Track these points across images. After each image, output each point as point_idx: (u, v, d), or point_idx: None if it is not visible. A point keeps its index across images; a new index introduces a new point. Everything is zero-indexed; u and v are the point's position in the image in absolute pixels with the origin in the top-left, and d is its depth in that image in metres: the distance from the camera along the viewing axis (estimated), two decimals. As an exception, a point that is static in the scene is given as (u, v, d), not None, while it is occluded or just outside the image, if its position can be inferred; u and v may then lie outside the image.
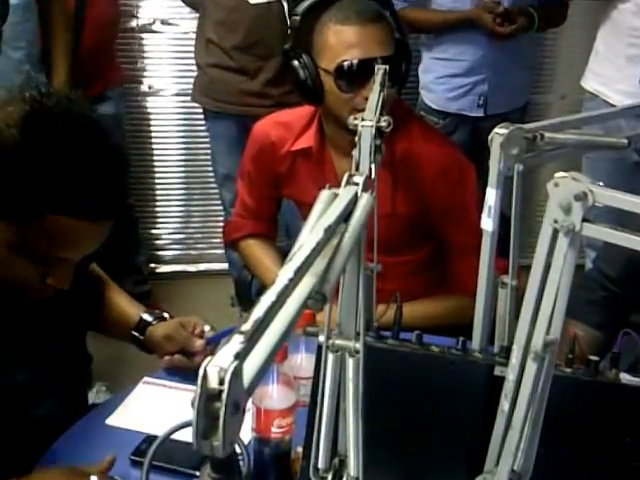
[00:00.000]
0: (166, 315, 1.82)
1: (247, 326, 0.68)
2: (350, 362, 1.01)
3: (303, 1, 1.88)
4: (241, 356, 0.65)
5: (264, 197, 2.23)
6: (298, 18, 1.86)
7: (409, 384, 1.27)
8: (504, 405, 1.10)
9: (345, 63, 1.81)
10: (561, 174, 0.95)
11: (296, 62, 1.88)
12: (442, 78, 3.07)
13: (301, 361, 1.63)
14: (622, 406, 1.22)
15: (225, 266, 3.67)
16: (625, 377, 1.22)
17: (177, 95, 3.83)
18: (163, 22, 3.72)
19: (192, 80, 3.31)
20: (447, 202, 1.95)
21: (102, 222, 1.35)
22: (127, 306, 1.85)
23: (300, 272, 0.77)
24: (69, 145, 1.29)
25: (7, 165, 1.26)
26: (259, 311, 0.70)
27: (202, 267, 4.16)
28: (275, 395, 1.41)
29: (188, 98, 3.41)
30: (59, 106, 1.31)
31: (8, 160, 1.27)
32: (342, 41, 1.83)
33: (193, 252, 4.18)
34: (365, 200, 0.92)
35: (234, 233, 2.29)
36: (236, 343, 0.66)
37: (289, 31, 1.88)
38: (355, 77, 1.81)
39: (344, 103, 1.83)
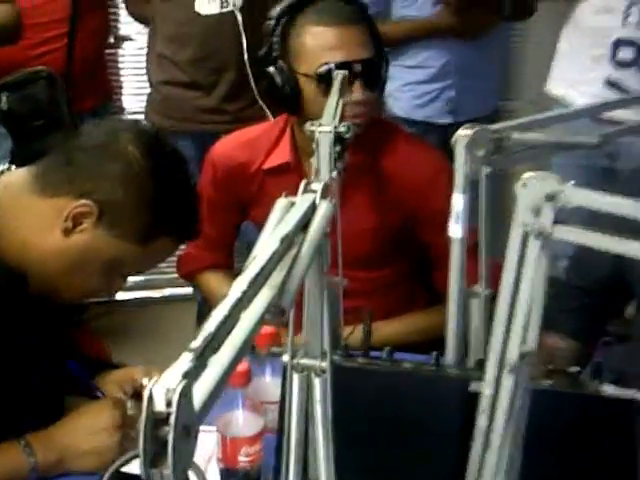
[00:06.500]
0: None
1: (197, 343, 0.63)
2: (317, 382, 0.98)
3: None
4: (190, 375, 0.61)
5: (227, 224, 2.16)
6: (272, 22, 1.81)
7: (381, 404, 1.23)
8: (481, 422, 1.05)
9: (327, 66, 1.74)
10: (529, 174, 0.91)
11: (272, 68, 1.82)
12: (408, 85, 3.04)
13: (267, 384, 1.57)
14: (605, 418, 1.18)
15: (190, 290, 3.61)
16: (607, 388, 1.17)
17: (136, 113, 3.73)
18: (120, 38, 3.66)
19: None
20: (439, 206, 1.89)
21: None
22: None
23: (255, 284, 0.73)
24: (178, 170, 1.43)
25: (136, 186, 1.36)
26: (210, 326, 0.65)
27: (167, 292, 4.11)
28: (241, 422, 1.36)
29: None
30: (156, 132, 1.46)
31: (138, 182, 1.36)
32: (322, 43, 1.78)
33: (156, 277, 4.11)
34: (324, 208, 0.88)
35: (191, 265, 2.20)
36: (185, 362, 0.62)
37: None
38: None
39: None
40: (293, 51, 1.81)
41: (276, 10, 1.81)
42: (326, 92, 1.69)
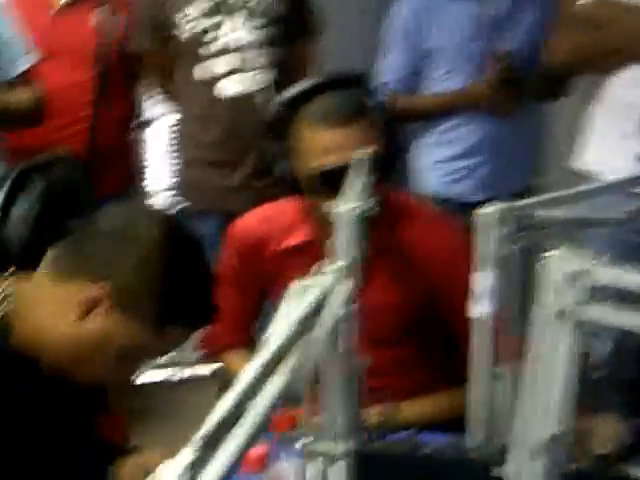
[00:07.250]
0: None
1: (203, 432, 0.60)
2: (336, 468, 0.94)
3: (285, 89, 1.83)
4: (195, 467, 0.58)
5: (248, 302, 2.14)
6: (277, 110, 1.83)
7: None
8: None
9: (321, 170, 1.74)
10: (552, 252, 0.87)
11: (275, 155, 1.84)
12: (439, 162, 2.98)
13: (286, 468, 1.53)
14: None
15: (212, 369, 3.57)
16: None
17: (159, 193, 3.76)
18: (143, 121, 3.69)
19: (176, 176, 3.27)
20: (462, 284, 1.86)
21: None
22: None
23: (267, 369, 0.70)
24: (196, 258, 1.39)
25: (153, 273, 1.33)
26: (217, 414, 0.62)
27: (190, 372, 4.06)
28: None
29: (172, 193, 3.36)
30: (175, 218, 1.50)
31: (155, 269, 1.33)
32: (318, 146, 1.78)
33: (178, 357, 4.08)
34: (339, 291, 0.85)
35: (212, 345, 2.19)
36: (190, 452, 0.59)
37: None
38: (334, 181, 1.75)
39: (327, 201, 1.77)
40: (294, 143, 1.82)
41: (282, 98, 1.83)
42: (324, 187, 1.72)
